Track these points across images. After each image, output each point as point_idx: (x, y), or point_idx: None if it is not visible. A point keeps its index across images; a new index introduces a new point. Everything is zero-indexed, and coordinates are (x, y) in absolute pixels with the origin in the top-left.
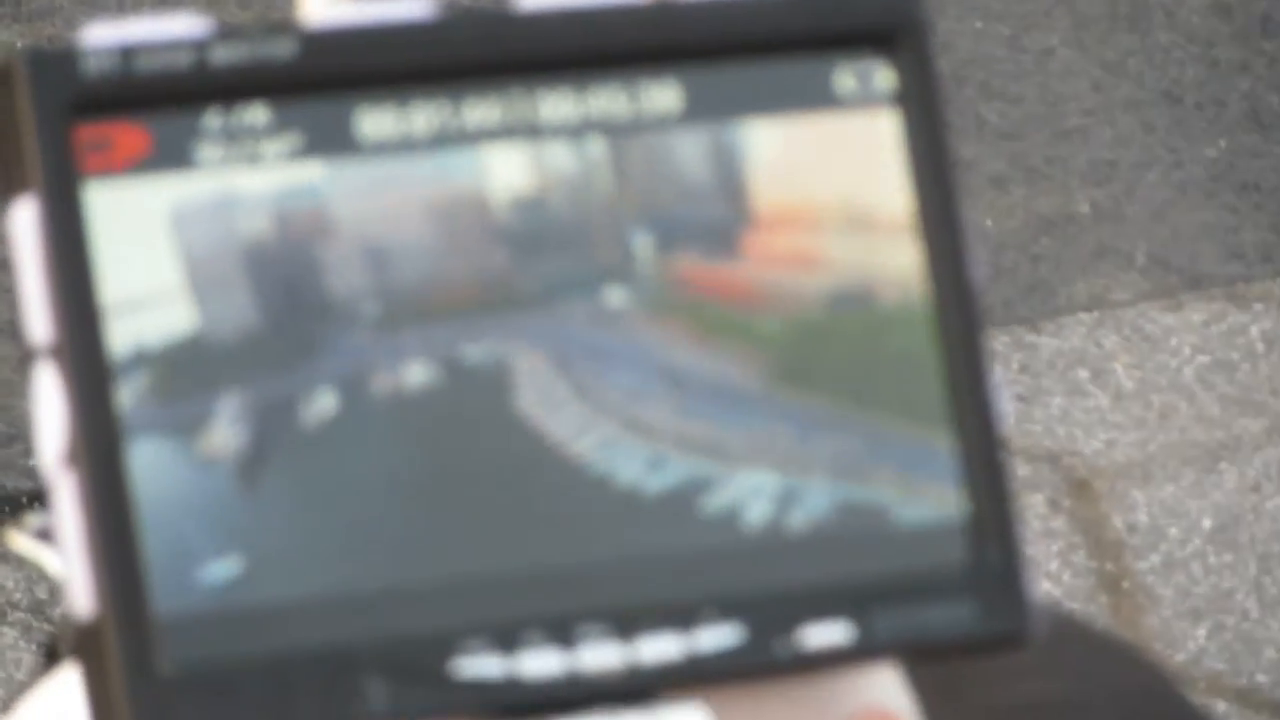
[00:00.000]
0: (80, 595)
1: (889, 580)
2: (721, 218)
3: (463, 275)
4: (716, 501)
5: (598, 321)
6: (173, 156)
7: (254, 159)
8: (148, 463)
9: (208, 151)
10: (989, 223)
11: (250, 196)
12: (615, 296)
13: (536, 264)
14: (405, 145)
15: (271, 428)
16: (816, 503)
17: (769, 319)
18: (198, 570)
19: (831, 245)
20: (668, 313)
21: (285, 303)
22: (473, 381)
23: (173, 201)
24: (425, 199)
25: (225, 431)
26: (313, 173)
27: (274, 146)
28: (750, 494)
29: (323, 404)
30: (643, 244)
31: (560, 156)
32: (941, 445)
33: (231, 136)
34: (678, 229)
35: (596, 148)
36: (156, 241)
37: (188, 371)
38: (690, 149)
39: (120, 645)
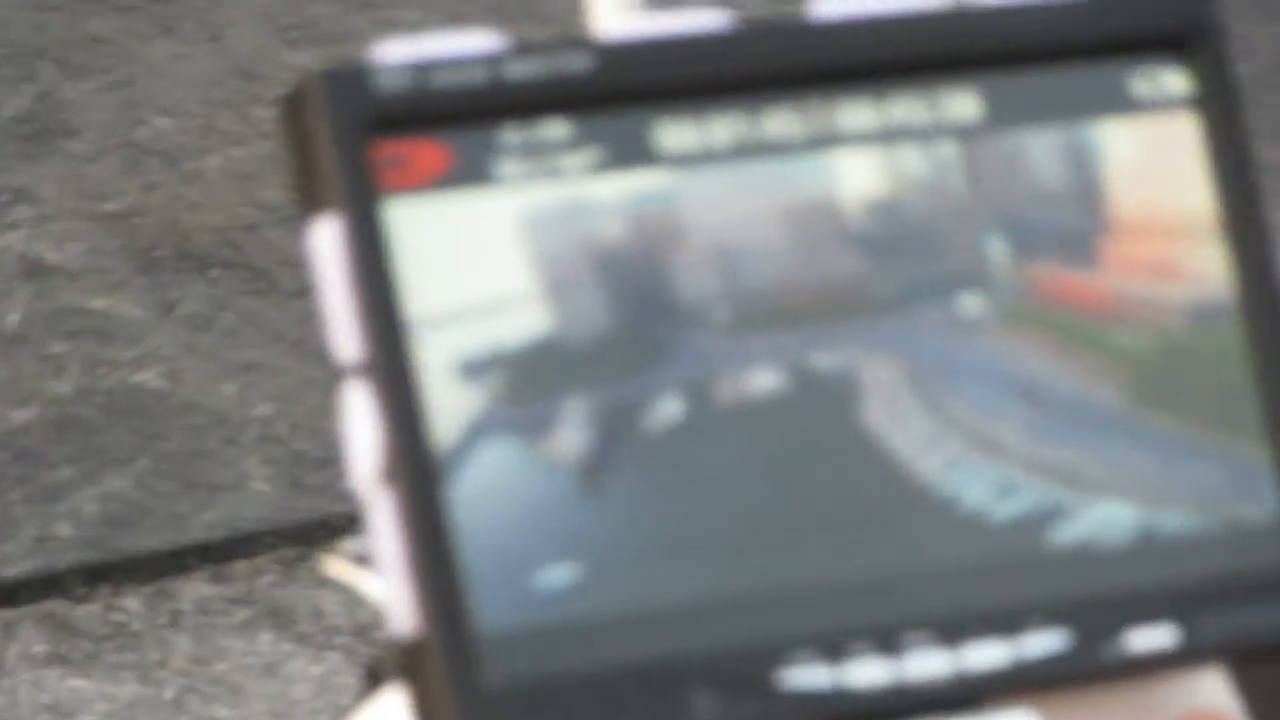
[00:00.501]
0: (402, 614)
1: (1212, 583)
2: (1079, 224)
3: (814, 281)
4: (1069, 532)
5: (952, 330)
6: (472, 172)
7: (554, 173)
8: (490, 466)
9: (508, 167)
10: None
11: (601, 203)
12: (971, 304)
13: (889, 270)
14: (706, 157)
15: (616, 432)
16: (1159, 522)
17: (1130, 333)
18: (529, 580)
19: (1187, 255)
20: (1025, 323)
21: (635, 307)
22: (820, 390)
23: (519, 210)
24: (776, 204)
25: (571, 434)
26: (661, 179)
27: (574, 160)
28: (1104, 525)
29: (668, 409)
30: (999, 250)
31: (911, 160)
32: (1260, 452)
33: (531, 151)
34: (1035, 235)
35: (947, 150)
36: (494, 250)
37: (536, 374)
38: (1041, 152)
39: (445, 663)
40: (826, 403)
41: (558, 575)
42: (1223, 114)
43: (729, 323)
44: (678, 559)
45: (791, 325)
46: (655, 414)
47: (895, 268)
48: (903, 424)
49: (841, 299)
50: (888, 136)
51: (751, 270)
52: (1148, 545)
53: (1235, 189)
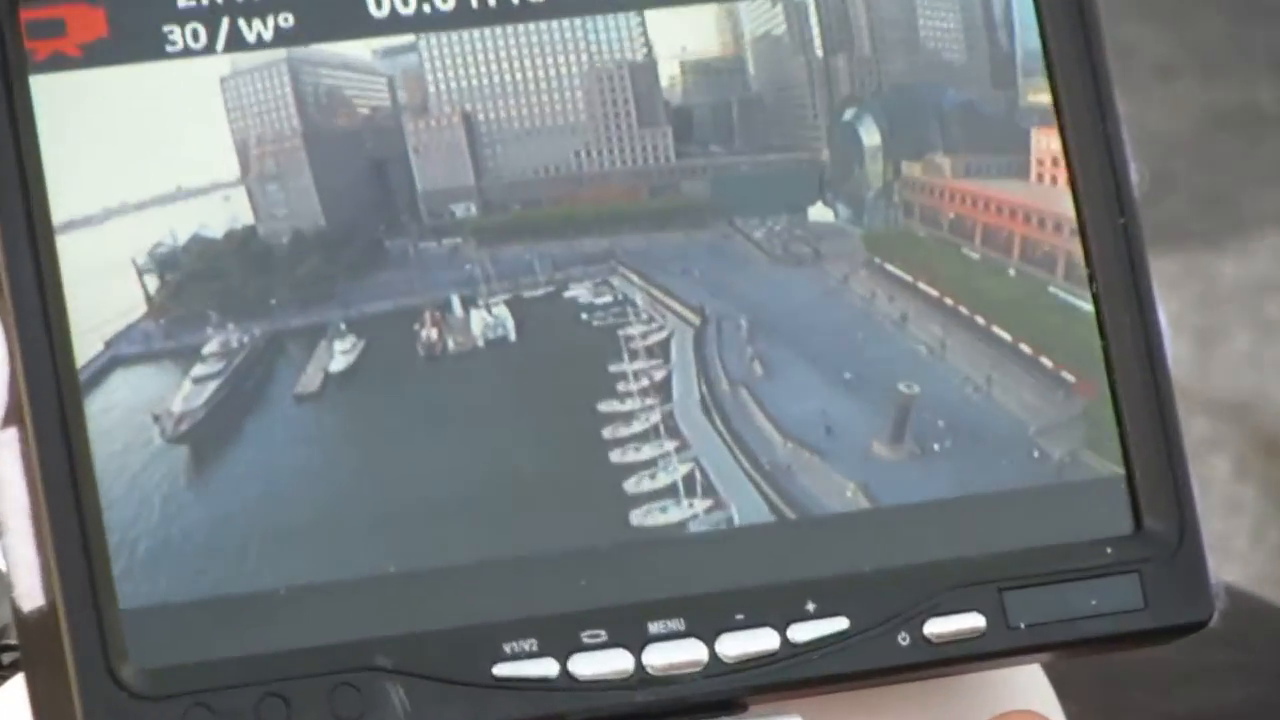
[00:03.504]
0: (28, 582)
1: (1029, 557)
2: (987, 104)
3: (590, 174)
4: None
5: (774, 251)
6: (133, 41)
7: (239, 43)
8: (134, 405)
9: (179, 34)
10: (1154, 120)
11: (309, 69)
12: (818, 215)
13: (701, 163)
14: (458, 13)
15: (285, 368)
16: (960, 487)
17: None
18: (184, 547)
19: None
20: (888, 246)
21: (345, 205)
22: (559, 334)
23: (191, 87)
24: (547, 69)
25: (223, 367)
26: (391, 42)
27: (268, 26)
28: (889, 485)
29: (351, 347)
30: (863, 138)
31: (748, 11)
32: (1093, 394)
33: (210, 13)
34: (916, 118)
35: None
36: (160, 132)
37: (193, 291)
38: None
39: (80, 641)
40: (562, 353)
41: (214, 542)
42: None
43: (468, 228)
44: (352, 531)
45: (549, 234)
46: (332, 352)
47: (710, 159)
48: (679, 380)
49: (619, 201)
50: None
51: (510, 156)
52: (944, 513)
53: (1076, 59)
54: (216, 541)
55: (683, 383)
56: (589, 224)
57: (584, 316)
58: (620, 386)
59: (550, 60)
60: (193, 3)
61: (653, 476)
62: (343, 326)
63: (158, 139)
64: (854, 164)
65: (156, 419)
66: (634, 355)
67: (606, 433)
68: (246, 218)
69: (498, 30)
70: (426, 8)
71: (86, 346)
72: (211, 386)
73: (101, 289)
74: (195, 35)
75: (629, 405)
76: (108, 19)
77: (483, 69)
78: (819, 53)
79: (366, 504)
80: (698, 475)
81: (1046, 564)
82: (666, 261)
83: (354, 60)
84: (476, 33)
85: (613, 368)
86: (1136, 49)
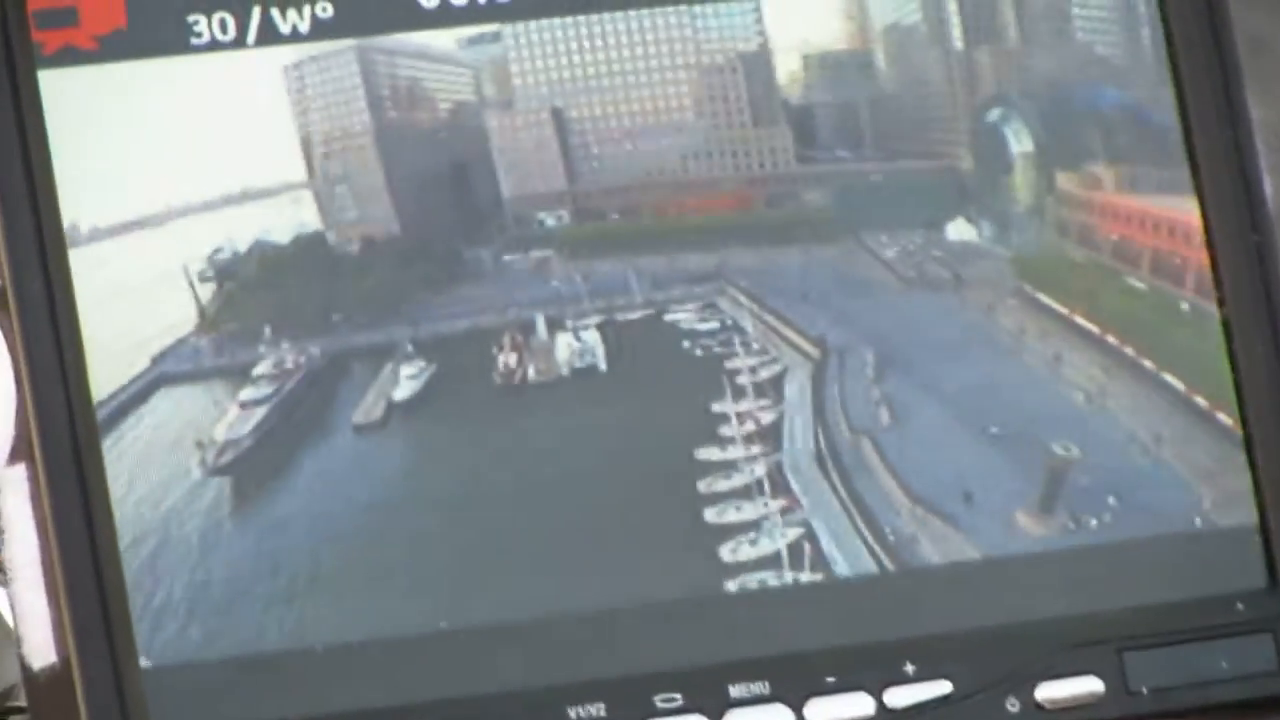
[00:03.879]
0: (39, 636)
1: (1151, 614)
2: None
3: (696, 179)
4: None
5: (912, 276)
6: (155, 33)
7: (273, 35)
8: (162, 438)
9: (205, 25)
10: None
11: (371, 64)
12: (959, 234)
13: (824, 169)
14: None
15: (334, 397)
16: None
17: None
18: (211, 598)
19: None
20: (1041, 270)
21: (417, 213)
22: (657, 361)
23: (213, 84)
24: (654, 63)
25: (274, 390)
26: (477, 31)
27: (307, 16)
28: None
29: (421, 374)
30: (1011, 142)
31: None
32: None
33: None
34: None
35: None
36: (175, 132)
37: (244, 305)
38: None
39: (94, 701)
40: (658, 387)
41: (251, 592)
42: None
43: (557, 239)
44: (405, 582)
45: (650, 248)
46: (397, 377)
47: (835, 166)
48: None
49: (729, 212)
50: None
51: (606, 159)
52: (1058, 565)
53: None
54: (254, 591)
55: (795, 429)
56: (695, 237)
57: (685, 345)
58: (723, 430)
59: (652, 52)
60: None
61: (753, 542)
62: (410, 348)
63: (199, 138)
64: (1000, 174)
65: (199, 446)
66: (740, 393)
67: (703, 485)
68: (313, 222)
69: (593, 19)
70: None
71: (132, 363)
72: (260, 413)
73: (148, 301)
74: (223, 26)
75: (731, 453)
76: (126, 7)
77: (575, 61)
78: (959, 45)
79: (424, 551)
80: (807, 547)
81: (1170, 622)
82: (783, 283)
83: (432, 49)
84: (570, 21)
85: (715, 406)
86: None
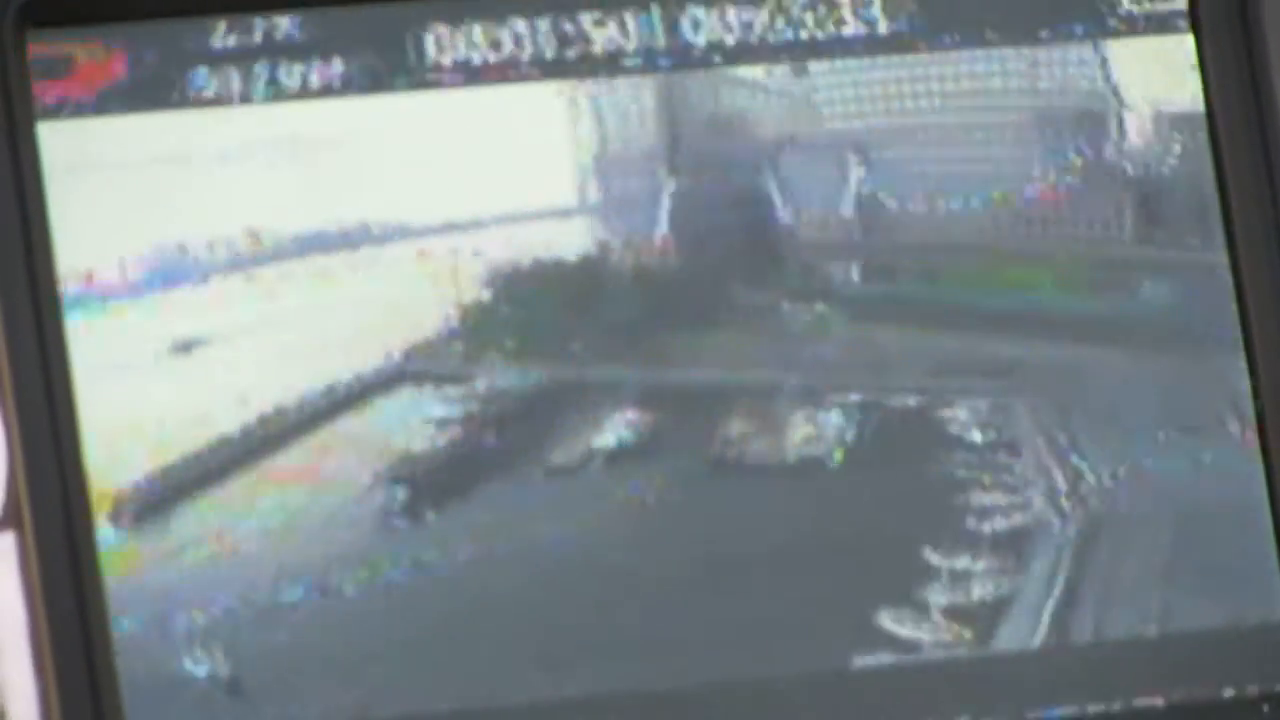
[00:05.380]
0: (25, 712)
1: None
2: None
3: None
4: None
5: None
6: (154, 85)
7: (277, 91)
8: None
9: (210, 78)
10: None
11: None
12: None
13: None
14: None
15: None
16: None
17: None
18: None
19: None
20: None
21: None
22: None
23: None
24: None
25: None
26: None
27: (304, 75)
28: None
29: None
30: None
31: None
32: None
33: (243, 56)
34: None
35: None
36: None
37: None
38: None
39: None
40: (889, 509)
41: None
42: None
43: (840, 296)
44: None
45: (944, 321)
46: (608, 423)
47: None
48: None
49: (1053, 293)
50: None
51: (910, 214)
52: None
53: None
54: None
55: (1024, 616)
56: (1000, 318)
57: (941, 457)
58: (934, 595)
59: (982, 99)
60: (229, 44)
61: None
62: (636, 393)
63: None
64: None
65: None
66: (974, 545)
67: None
68: (585, 245)
69: (903, 60)
70: (491, 56)
71: (375, 355)
72: (452, 432)
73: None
74: (226, 81)
75: (938, 634)
76: (128, 60)
77: (879, 104)
78: None
79: (580, 611)
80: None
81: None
82: (1095, 399)
83: (732, 78)
84: (880, 61)
85: (935, 557)
86: None
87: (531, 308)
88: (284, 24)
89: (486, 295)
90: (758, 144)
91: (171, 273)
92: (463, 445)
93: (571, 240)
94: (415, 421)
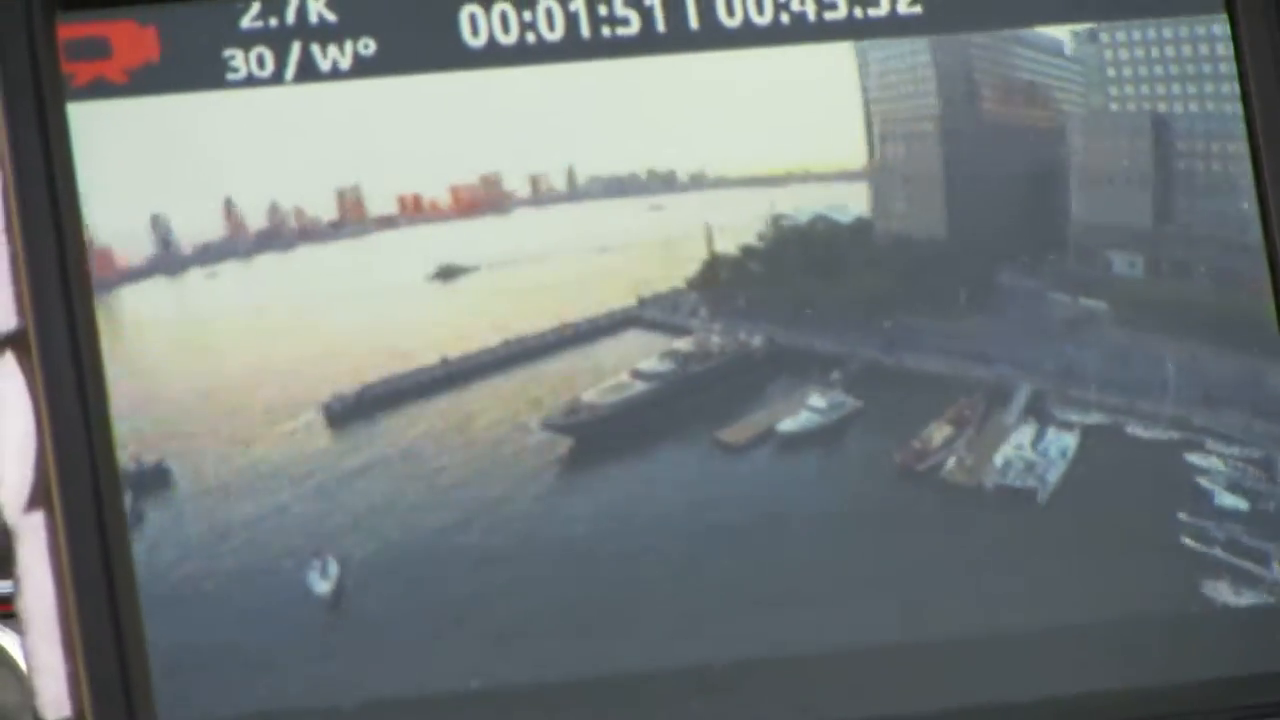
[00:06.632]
0: (54, 690)
1: None
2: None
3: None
4: None
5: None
6: (189, 66)
7: (311, 71)
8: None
9: (243, 60)
10: None
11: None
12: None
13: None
14: None
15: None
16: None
17: None
18: (242, 657)
19: None
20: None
21: None
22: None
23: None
24: None
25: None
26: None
27: (346, 54)
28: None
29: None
30: None
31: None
32: None
33: (278, 37)
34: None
35: None
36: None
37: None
38: None
39: None
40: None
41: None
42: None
43: (1115, 290)
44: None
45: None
46: (798, 403)
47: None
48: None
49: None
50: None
51: (1214, 202)
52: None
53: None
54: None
55: None
56: None
57: (1180, 518)
58: None
59: None
60: (259, 24)
61: None
62: (837, 375)
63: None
64: None
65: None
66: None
67: None
68: (860, 209)
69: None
70: (530, 37)
71: (622, 296)
72: (639, 387)
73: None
74: (261, 61)
75: None
76: (159, 40)
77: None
78: None
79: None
80: None
81: None
82: None
83: (1028, 39)
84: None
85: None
86: None
87: (775, 268)
88: (315, 4)
89: (733, 250)
90: (1042, 115)
91: (203, 250)
92: (629, 405)
93: (844, 203)
94: (623, 370)
